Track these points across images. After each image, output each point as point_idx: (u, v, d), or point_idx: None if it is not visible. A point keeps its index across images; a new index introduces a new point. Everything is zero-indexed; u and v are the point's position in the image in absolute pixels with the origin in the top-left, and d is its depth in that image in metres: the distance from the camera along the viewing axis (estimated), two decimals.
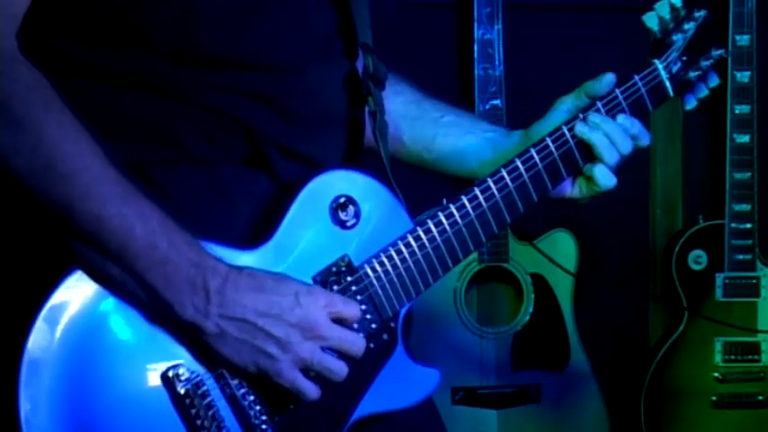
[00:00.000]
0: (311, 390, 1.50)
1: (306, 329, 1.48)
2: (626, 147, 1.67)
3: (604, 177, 1.67)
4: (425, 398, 1.64)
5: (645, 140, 1.69)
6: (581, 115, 1.66)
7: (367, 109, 1.66)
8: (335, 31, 1.63)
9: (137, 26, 1.46)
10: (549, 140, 1.65)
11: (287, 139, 1.56)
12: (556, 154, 1.65)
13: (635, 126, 1.67)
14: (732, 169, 3.34)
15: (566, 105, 1.71)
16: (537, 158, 1.64)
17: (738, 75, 3.30)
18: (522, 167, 1.64)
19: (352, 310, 1.53)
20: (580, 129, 1.65)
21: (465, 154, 1.79)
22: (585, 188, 1.70)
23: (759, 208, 3.35)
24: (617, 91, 1.68)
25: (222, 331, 1.45)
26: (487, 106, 3.25)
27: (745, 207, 3.34)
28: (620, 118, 1.66)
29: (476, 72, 3.26)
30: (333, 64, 1.63)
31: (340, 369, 1.51)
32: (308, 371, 1.50)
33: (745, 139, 3.33)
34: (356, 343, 1.52)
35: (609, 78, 1.68)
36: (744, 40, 3.29)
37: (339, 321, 1.51)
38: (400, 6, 3.26)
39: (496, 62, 3.26)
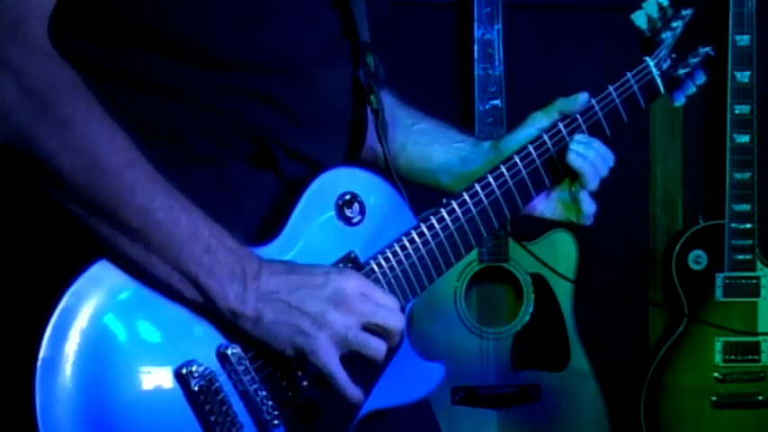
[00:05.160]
0: (342, 376, 1.49)
1: (339, 303, 1.47)
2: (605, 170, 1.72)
3: (588, 203, 1.72)
4: (431, 392, 1.64)
5: (611, 161, 1.73)
6: (565, 133, 1.69)
7: (369, 108, 1.67)
8: (341, 33, 1.63)
9: (145, 27, 1.46)
10: (531, 147, 1.68)
11: (292, 140, 1.56)
12: (538, 161, 1.68)
13: (608, 155, 1.71)
14: (732, 169, 3.34)
15: (538, 123, 1.73)
16: (534, 154, 1.68)
17: (738, 75, 3.30)
18: (520, 163, 1.66)
19: (385, 297, 1.53)
20: (572, 158, 1.68)
21: (433, 165, 1.81)
22: (560, 211, 1.75)
23: (759, 208, 3.35)
24: (610, 88, 1.71)
25: (259, 315, 1.45)
26: (487, 106, 3.25)
27: (745, 207, 3.34)
28: (596, 144, 1.70)
29: (476, 72, 3.26)
30: (339, 66, 1.63)
31: (378, 345, 1.50)
32: (345, 352, 1.48)
33: (745, 139, 3.33)
34: (394, 314, 1.52)
35: (582, 98, 1.70)
36: (744, 40, 3.29)
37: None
38: (400, 6, 3.26)
39: (496, 62, 3.26)
